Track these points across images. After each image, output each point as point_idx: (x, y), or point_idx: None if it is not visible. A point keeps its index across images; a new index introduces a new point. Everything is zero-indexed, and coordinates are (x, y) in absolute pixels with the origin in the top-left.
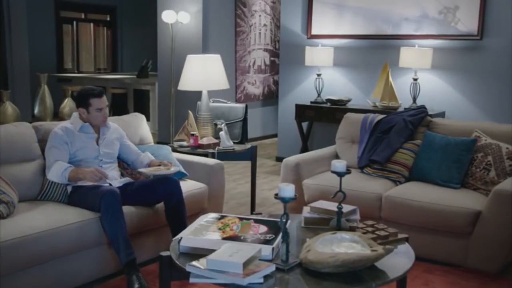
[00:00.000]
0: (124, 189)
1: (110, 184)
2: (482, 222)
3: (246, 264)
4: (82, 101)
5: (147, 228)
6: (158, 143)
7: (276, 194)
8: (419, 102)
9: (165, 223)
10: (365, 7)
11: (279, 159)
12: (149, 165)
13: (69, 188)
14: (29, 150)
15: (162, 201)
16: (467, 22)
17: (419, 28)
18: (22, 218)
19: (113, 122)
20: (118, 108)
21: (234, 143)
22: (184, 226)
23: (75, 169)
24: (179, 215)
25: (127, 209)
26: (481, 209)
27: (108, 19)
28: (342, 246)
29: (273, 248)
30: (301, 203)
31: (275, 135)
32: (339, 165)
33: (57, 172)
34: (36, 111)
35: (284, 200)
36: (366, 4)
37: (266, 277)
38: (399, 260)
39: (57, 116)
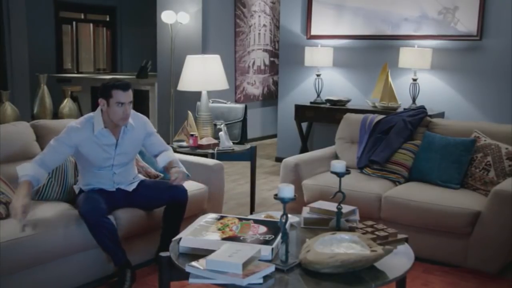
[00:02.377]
0: (134, 190)
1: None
2: (481, 222)
3: (245, 265)
4: (104, 90)
5: (142, 231)
6: None
7: (276, 195)
8: (419, 102)
9: (160, 226)
10: (365, 8)
11: (279, 160)
12: (166, 168)
13: (76, 189)
14: (28, 149)
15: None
16: (467, 23)
17: (418, 28)
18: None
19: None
20: None
21: (233, 143)
22: (175, 231)
23: (20, 187)
24: (176, 219)
25: (124, 211)
26: (481, 209)
27: (108, 19)
28: (342, 247)
29: (272, 249)
30: (300, 204)
31: (275, 136)
32: (338, 165)
33: (21, 170)
34: (35, 111)
35: (283, 201)
36: (366, 5)
37: (265, 278)
38: (399, 260)
39: (57, 116)
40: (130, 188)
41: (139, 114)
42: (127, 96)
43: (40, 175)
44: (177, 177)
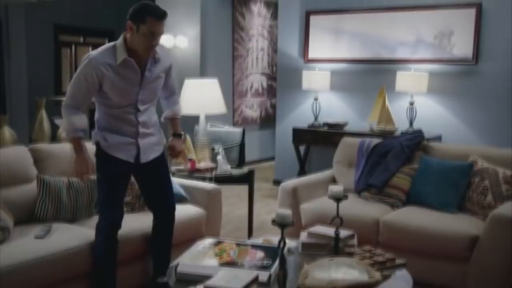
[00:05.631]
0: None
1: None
2: (479, 247)
3: None
4: (137, 13)
5: (136, 256)
6: None
7: (274, 220)
8: (416, 125)
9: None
10: (362, 32)
11: (277, 183)
12: (168, 121)
13: (95, 137)
14: (25, 172)
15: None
16: (462, 47)
17: (414, 52)
18: (18, 243)
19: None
20: None
21: (231, 167)
22: (167, 252)
23: (76, 144)
24: (165, 239)
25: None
26: (479, 233)
27: (107, 42)
28: (340, 272)
29: (270, 274)
30: (299, 228)
31: (273, 158)
32: (336, 190)
33: (66, 126)
34: (33, 135)
35: (281, 226)
36: (362, 29)
37: None
38: (397, 285)
39: (55, 139)
40: (151, 156)
41: (162, 44)
42: (162, 26)
43: (84, 123)
44: (177, 151)
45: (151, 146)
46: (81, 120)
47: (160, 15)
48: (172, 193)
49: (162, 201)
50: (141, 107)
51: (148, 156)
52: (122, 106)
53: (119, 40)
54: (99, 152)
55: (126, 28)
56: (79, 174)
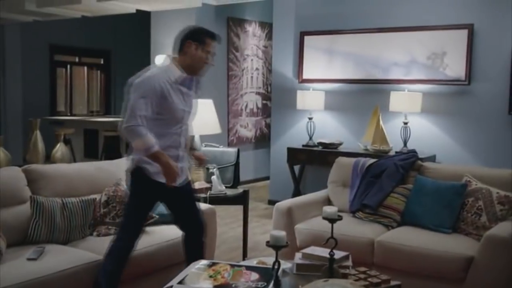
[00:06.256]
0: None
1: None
2: (475, 267)
3: None
4: (197, 35)
5: (139, 274)
6: None
7: (268, 242)
8: (410, 145)
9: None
10: (355, 52)
11: (272, 202)
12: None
13: (131, 161)
14: (19, 193)
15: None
16: (455, 67)
17: (408, 73)
18: (10, 265)
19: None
20: (111, 151)
21: (226, 187)
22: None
23: (161, 156)
24: (198, 249)
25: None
26: (473, 254)
27: (102, 62)
28: None
29: None
30: (293, 248)
31: (267, 178)
32: (330, 211)
33: (146, 144)
34: (27, 156)
35: (276, 248)
36: (356, 49)
37: None
38: None
39: (49, 159)
40: (183, 176)
41: None
42: (215, 48)
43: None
44: (204, 158)
45: (184, 167)
46: (152, 136)
47: (218, 38)
48: (199, 210)
49: (192, 218)
50: (184, 127)
51: (182, 177)
52: (172, 124)
53: (167, 62)
54: (140, 177)
55: (184, 48)
56: (175, 175)
